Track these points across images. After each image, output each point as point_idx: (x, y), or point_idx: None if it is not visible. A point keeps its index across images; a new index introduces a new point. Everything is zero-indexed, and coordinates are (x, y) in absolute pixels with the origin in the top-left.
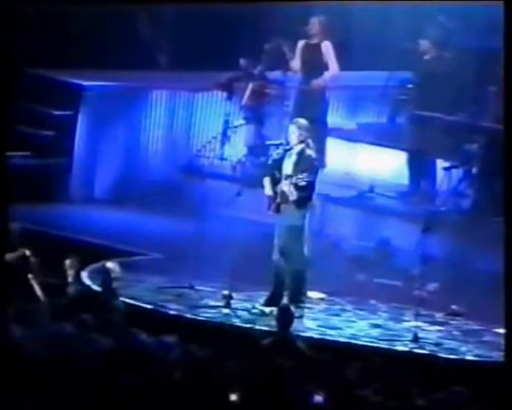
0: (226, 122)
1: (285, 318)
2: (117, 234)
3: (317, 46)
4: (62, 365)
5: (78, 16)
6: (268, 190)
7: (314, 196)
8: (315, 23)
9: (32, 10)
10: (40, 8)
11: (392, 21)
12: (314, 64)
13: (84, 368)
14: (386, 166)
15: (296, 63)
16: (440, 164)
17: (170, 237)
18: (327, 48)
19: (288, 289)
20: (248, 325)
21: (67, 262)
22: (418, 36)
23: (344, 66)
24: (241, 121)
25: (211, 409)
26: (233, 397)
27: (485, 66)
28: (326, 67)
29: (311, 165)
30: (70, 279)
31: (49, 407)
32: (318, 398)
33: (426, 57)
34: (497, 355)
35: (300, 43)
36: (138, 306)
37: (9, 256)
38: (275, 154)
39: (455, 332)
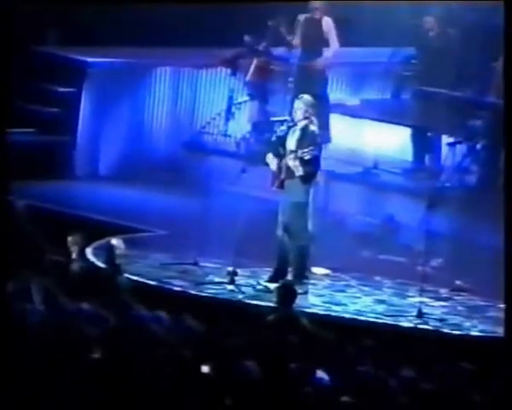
0: (230, 98)
1: (287, 294)
2: (121, 211)
3: (318, 22)
4: (67, 341)
5: None
6: (272, 166)
7: (318, 172)
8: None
9: None
10: None
11: None
12: (314, 40)
13: (90, 344)
14: (390, 142)
15: (296, 38)
16: (445, 140)
17: (174, 214)
18: (327, 24)
19: (292, 266)
20: (253, 302)
21: (70, 239)
22: (422, 12)
23: (348, 42)
24: (245, 98)
25: (215, 386)
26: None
27: (489, 42)
28: (326, 44)
29: (314, 140)
30: (74, 256)
31: (52, 384)
32: (322, 374)
33: (430, 34)
34: (502, 330)
35: (301, 18)
36: (142, 282)
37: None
38: (279, 130)
39: (459, 308)
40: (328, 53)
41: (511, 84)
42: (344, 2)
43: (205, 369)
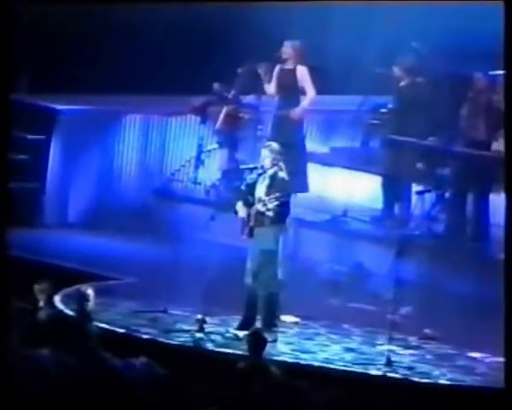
0: (200, 146)
1: (257, 342)
2: (90, 258)
3: (292, 71)
4: (36, 389)
5: (52, 38)
6: (241, 214)
7: (288, 220)
8: (288, 47)
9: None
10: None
11: (365, 46)
12: (290, 89)
13: (57, 392)
14: (359, 190)
15: (272, 88)
16: (414, 188)
17: (143, 261)
18: (302, 72)
19: (261, 314)
20: (222, 350)
21: (38, 287)
22: (392, 62)
23: (317, 90)
24: (215, 145)
25: None
26: None
27: (458, 91)
28: (303, 92)
29: (284, 187)
30: (41, 303)
31: None
32: None
33: (400, 83)
34: (470, 379)
35: (276, 69)
36: (111, 330)
37: None
38: (248, 178)
39: (428, 356)
40: (305, 101)
41: (511, 89)
42: (312, 49)
43: None
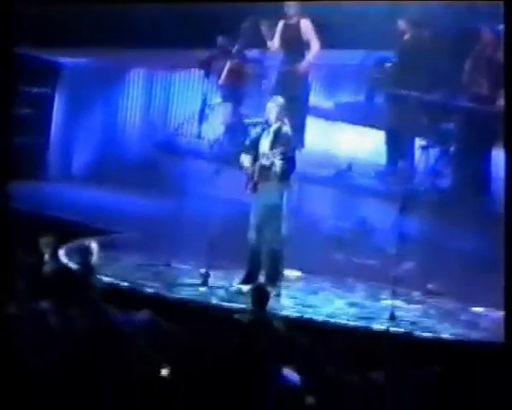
0: (204, 100)
1: (260, 296)
2: (94, 212)
3: (296, 25)
4: (39, 341)
5: None
6: (246, 169)
7: (293, 174)
8: (291, 2)
9: None
10: None
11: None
12: (294, 43)
13: (62, 346)
14: (363, 145)
15: (275, 43)
16: (418, 143)
17: (147, 216)
18: (306, 26)
19: (265, 268)
20: (225, 303)
21: (43, 240)
22: (396, 15)
23: (322, 45)
24: (219, 100)
25: (186, 386)
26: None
27: (463, 45)
28: (307, 46)
29: (288, 142)
30: (46, 257)
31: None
32: (293, 376)
33: (404, 36)
34: (473, 334)
35: (280, 24)
36: (115, 284)
37: None
38: (252, 133)
39: (431, 311)
40: (310, 55)
41: (511, 85)
42: (317, 3)
43: (164, 372)
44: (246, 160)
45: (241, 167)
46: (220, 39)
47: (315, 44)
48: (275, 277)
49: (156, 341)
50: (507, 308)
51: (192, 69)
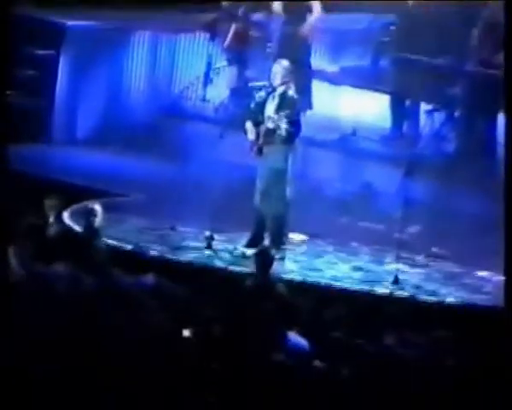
0: (209, 64)
1: (265, 260)
2: (98, 175)
3: None
4: (43, 304)
5: None
6: (250, 133)
7: (298, 138)
8: None
9: None
10: None
11: None
12: (297, 6)
13: (67, 307)
14: (368, 109)
15: (278, 5)
16: (423, 107)
17: (151, 178)
18: None
19: (269, 232)
20: (230, 267)
21: (47, 203)
22: None
23: (327, 8)
24: (224, 63)
25: (190, 351)
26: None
27: (469, 9)
28: (309, 9)
29: (293, 106)
30: (51, 220)
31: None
32: (298, 340)
33: (410, 1)
34: (478, 298)
35: None
36: (120, 246)
37: None
38: (257, 96)
39: (435, 275)
40: (311, 19)
41: (511, 84)
42: None
43: (186, 333)
44: (250, 127)
45: (245, 132)
46: (225, 3)
47: (316, 9)
48: (279, 240)
49: (161, 303)
50: (506, 273)
51: (197, 32)
